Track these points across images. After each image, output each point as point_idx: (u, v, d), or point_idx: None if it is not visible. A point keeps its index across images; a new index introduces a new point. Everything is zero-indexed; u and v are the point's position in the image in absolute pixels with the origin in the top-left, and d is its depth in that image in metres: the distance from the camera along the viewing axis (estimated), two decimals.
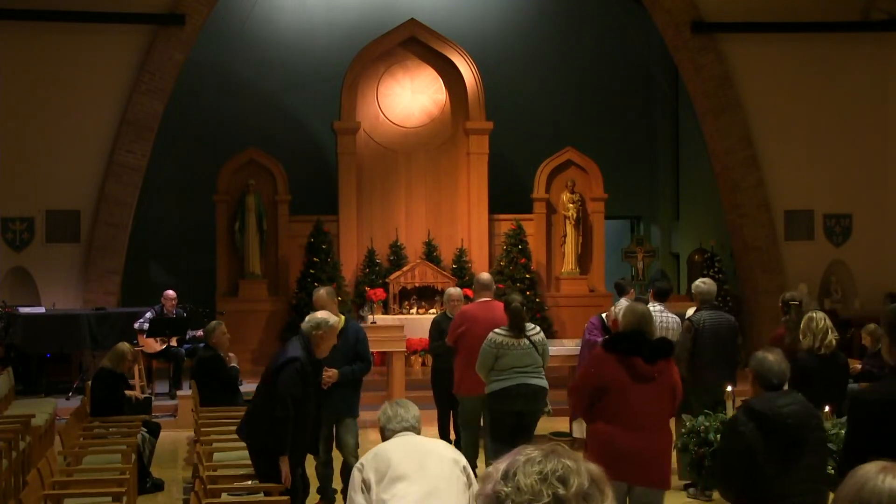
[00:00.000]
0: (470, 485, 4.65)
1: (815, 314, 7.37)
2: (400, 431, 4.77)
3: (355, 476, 4.70)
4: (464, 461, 4.78)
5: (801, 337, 7.29)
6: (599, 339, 8.80)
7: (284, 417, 6.74)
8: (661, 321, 9.13)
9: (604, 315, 10.37)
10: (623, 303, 9.75)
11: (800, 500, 4.95)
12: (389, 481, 4.53)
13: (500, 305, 8.90)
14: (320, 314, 7.26)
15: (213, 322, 11.03)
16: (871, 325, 10.74)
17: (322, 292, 8.41)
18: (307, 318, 7.25)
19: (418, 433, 4.85)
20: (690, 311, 9.51)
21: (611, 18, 19.92)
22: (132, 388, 11.05)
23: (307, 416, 6.99)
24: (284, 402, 6.73)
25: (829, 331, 7.22)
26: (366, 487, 4.59)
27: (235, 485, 7.16)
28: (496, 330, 8.47)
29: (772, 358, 5.15)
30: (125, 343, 10.35)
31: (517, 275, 17.38)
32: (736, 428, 5.00)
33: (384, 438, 4.85)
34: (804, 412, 5.03)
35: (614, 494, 7.07)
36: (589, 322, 10.52)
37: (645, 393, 5.97)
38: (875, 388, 5.37)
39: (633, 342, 6.02)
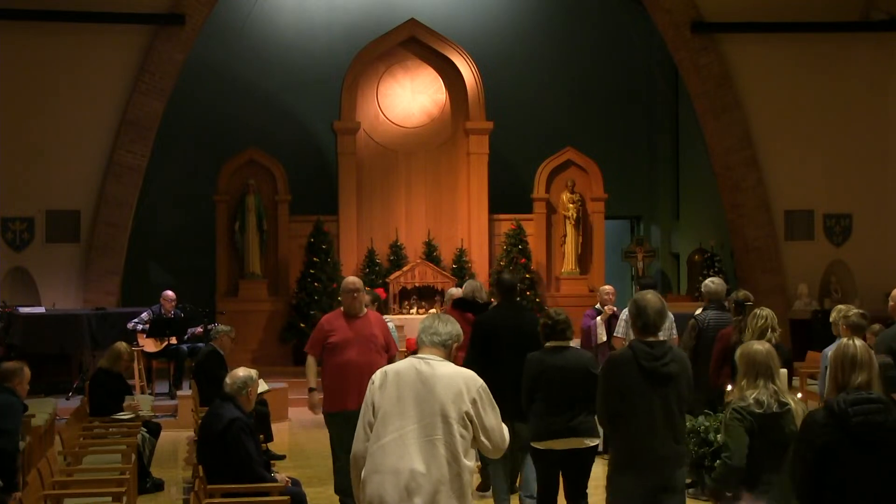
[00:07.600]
0: (477, 416, 4.50)
1: (766, 311, 7.66)
2: (427, 344, 4.68)
3: (371, 392, 4.62)
4: (475, 387, 4.57)
5: (755, 335, 7.47)
6: (591, 324, 10.94)
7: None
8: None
9: (597, 306, 11.33)
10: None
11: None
12: (385, 415, 4.50)
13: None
14: (240, 373, 6.96)
15: (224, 327, 11.11)
16: (876, 326, 10.82)
17: None
18: (228, 382, 6.94)
19: (448, 349, 4.70)
20: (699, 311, 9.53)
21: (611, 18, 19.92)
22: (130, 387, 11.05)
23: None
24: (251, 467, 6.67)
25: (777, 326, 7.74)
26: (374, 411, 4.56)
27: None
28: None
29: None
30: (122, 343, 10.34)
31: (517, 275, 17.36)
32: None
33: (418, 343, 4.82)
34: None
35: None
36: (585, 314, 11.24)
37: None
38: (484, 314, 8.27)
39: (466, 304, 9.16)
